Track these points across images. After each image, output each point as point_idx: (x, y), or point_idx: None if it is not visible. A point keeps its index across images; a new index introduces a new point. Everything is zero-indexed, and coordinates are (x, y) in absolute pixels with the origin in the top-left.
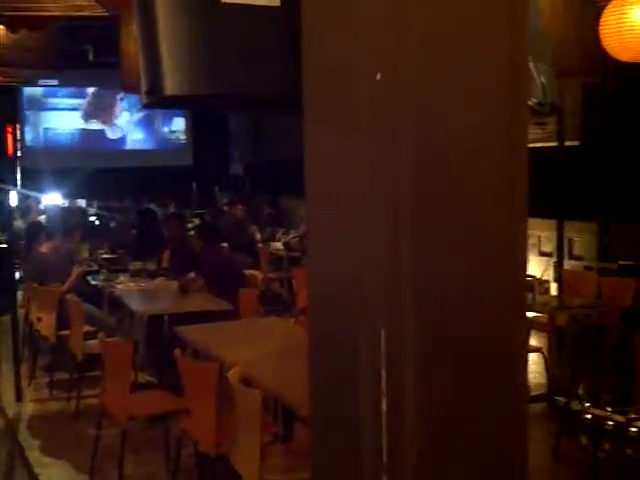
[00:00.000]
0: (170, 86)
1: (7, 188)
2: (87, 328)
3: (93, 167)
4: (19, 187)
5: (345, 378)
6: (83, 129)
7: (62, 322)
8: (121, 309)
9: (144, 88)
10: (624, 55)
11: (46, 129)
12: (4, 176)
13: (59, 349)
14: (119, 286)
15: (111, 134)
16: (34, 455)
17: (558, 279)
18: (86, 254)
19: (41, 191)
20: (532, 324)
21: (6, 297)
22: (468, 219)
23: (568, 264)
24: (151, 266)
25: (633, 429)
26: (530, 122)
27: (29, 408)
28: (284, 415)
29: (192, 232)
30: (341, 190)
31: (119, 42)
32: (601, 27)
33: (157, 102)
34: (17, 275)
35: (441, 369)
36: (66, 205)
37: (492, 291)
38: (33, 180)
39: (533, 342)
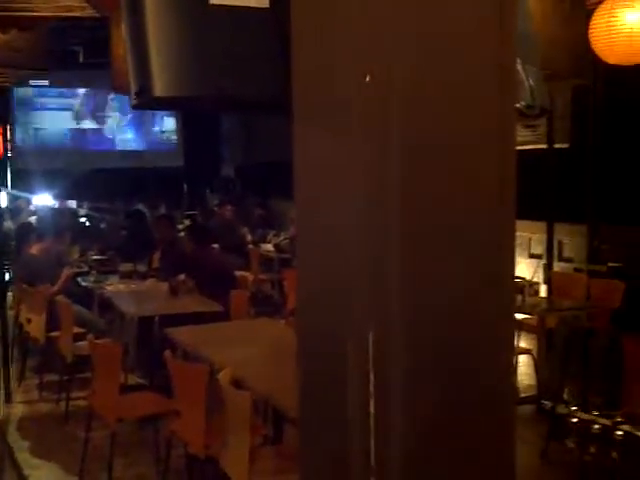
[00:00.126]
0: (159, 87)
1: None
2: (77, 330)
3: (84, 168)
4: (9, 188)
5: (333, 380)
6: (74, 129)
7: (52, 323)
8: (111, 310)
9: (133, 89)
10: (614, 58)
11: (36, 129)
12: None
13: (49, 350)
14: (109, 287)
15: (102, 135)
16: (23, 456)
17: (548, 281)
18: (76, 255)
19: (31, 192)
20: (521, 326)
21: None
22: (457, 221)
23: (558, 266)
24: (141, 267)
25: (619, 432)
26: (519, 124)
27: (19, 409)
28: (274, 417)
29: (183, 233)
30: (330, 192)
31: (109, 43)
32: (591, 30)
33: (146, 103)
34: (7, 276)
35: (429, 371)
36: (56, 206)
37: (480, 293)
38: (23, 181)
39: (522, 344)
